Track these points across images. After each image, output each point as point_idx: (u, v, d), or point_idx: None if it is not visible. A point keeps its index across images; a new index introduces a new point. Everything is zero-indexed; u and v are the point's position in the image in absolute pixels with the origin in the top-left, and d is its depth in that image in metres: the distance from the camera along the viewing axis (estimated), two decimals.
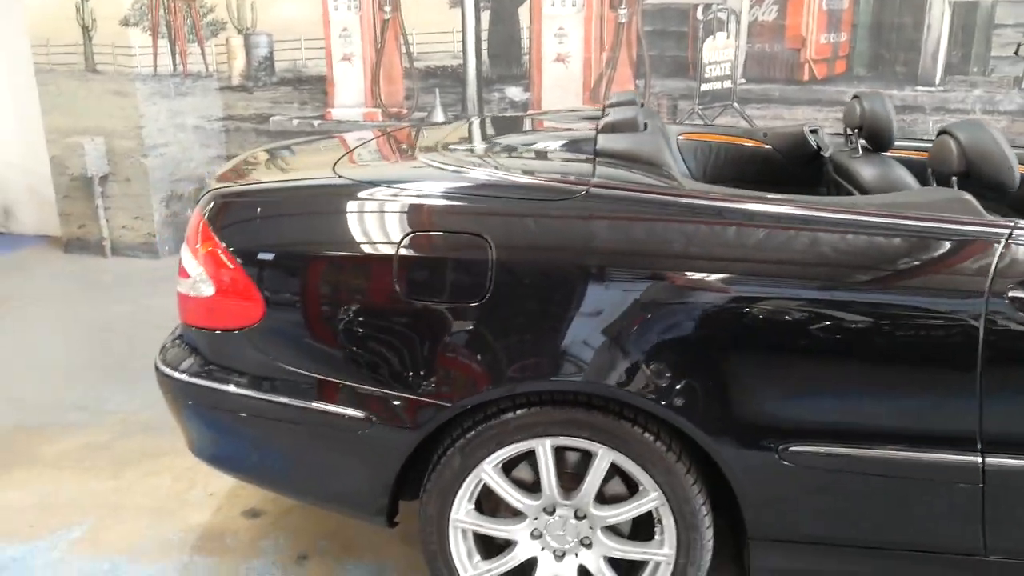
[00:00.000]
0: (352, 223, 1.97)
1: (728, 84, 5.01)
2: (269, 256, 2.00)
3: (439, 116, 5.48)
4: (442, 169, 2.11)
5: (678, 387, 1.82)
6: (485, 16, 5.25)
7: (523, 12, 5.20)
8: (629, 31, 5.06)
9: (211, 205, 2.09)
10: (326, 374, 1.98)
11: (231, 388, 2.05)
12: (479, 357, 1.87)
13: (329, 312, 1.96)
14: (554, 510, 1.99)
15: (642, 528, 2.00)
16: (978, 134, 2.02)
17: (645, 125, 2.22)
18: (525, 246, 1.88)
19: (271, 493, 2.72)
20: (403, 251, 1.88)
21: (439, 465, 1.96)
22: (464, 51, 5.33)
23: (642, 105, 2.81)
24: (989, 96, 4.62)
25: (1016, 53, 2.95)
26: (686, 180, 2.04)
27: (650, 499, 1.91)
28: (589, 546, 2.01)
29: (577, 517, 1.99)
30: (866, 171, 2.46)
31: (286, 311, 1.99)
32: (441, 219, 1.93)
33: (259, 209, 2.06)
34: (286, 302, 1.99)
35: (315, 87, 5.64)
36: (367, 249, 1.94)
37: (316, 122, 5.69)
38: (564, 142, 2.47)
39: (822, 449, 1.82)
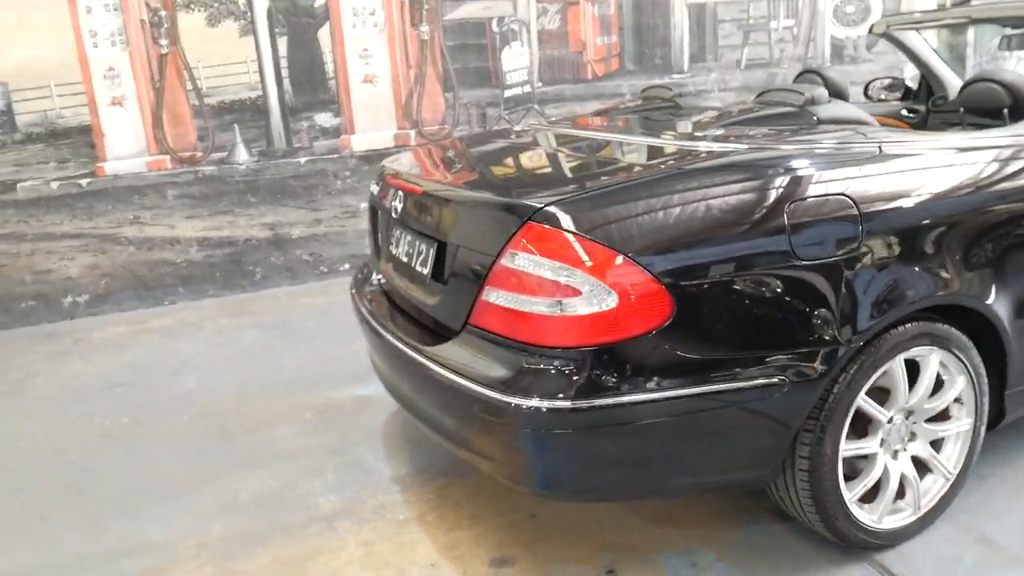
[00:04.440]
0: (744, 198, 2.07)
1: (527, 88, 5.47)
2: (669, 249, 1.99)
3: (242, 154, 5.01)
4: (792, 144, 2.31)
5: (988, 286, 2.31)
6: (282, 42, 4.96)
7: (323, 35, 5.03)
8: (432, 47, 5.22)
9: (574, 215, 1.98)
10: (739, 351, 2.05)
11: (639, 397, 1.99)
12: (867, 296, 2.14)
13: (737, 290, 2.03)
14: (891, 418, 2.34)
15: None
16: (1015, 79, 2.83)
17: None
18: (872, 198, 2.18)
19: (489, 537, 2.56)
20: (791, 218, 2.06)
21: (828, 405, 2.17)
22: (263, 81, 4.96)
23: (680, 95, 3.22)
24: (721, 77, 5.79)
25: (870, 32, 3.93)
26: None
27: (960, 382, 2.38)
28: (913, 439, 2.40)
29: (904, 417, 2.37)
30: None
31: (695, 301, 2.00)
32: (815, 187, 2.13)
33: (641, 204, 2.01)
34: (694, 292, 1.99)
35: (78, 140, 4.73)
36: (760, 221, 2.06)
37: (85, 181, 4.78)
38: (754, 120, 2.71)
39: None
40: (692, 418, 2.06)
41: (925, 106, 4.04)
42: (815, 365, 2.10)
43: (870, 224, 2.14)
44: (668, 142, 2.55)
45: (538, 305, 2.01)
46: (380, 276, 2.90)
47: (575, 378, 1.99)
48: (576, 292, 1.96)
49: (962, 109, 2.98)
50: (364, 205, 5.29)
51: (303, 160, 5.14)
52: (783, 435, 2.14)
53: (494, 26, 5.31)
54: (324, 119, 5.14)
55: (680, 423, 2.06)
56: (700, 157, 2.28)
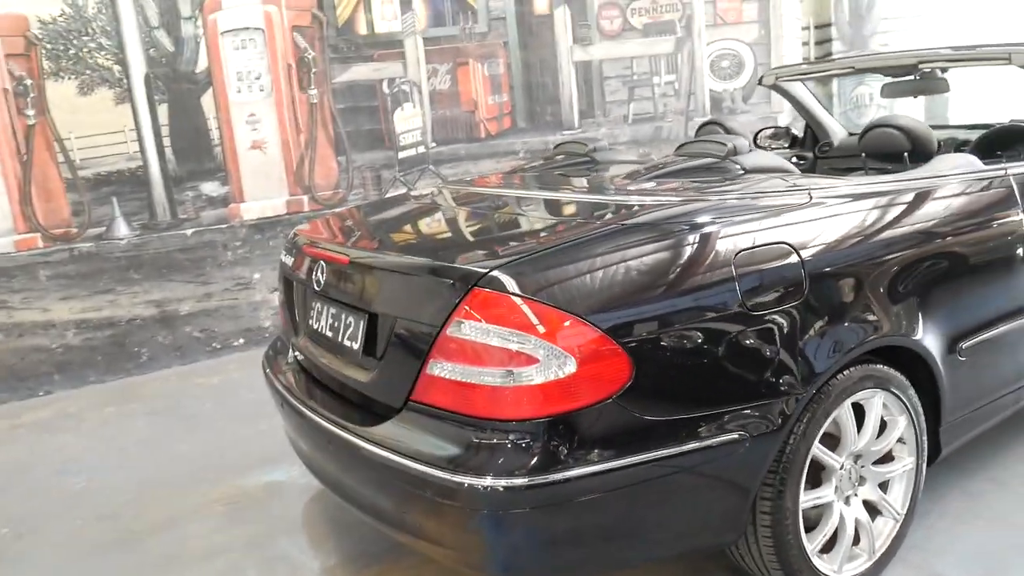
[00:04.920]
0: (691, 251, 2.03)
1: (422, 149, 5.39)
2: (623, 308, 1.92)
3: (122, 228, 4.68)
4: (720, 197, 2.28)
5: (924, 324, 2.35)
6: (163, 110, 4.69)
7: (206, 101, 4.80)
8: (323, 110, 5.07)
9: (523, 278, 1.88)
10: (700, 409, 1.99)
11: (604, 467, 1.88)
12: (817, 342, 2.12)
13: (693, 346, 1.97)
14: (842, 464, 2.32)
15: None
16: (911, 124, 2.94)
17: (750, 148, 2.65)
18: (811, 244, 2.19)
19: None
20: (739, 268, 2.03)
21: (786, 456, 2.12)
22: (143, 150, 4.67)
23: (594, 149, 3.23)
24: (611, 131, 5.89)
25: (760, 82, 4.06)
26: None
27: (901, 423, 2.39)
28: (862, 483, 2.39)
29: (853, 462, 2.35)
30: None
31: (653, 360, 1.93)
32: (757, 236, 2.11)
33: (589, 263, 1.93)
34: (652, 351, 1.93)
35: None
36: (709, 273, 2.02)
37: None
38: (682, 172, 2.67)
39: (972, 340, 2.53)
40: (659, 484, 1.97)
41: (812, 153, 4.21)
42: (774, 417, 2.06)
43: (812, 270, 2.14)
44: (599, 198, 2.51)
45: (491, 376, 1.89)
46: (297, 352, 2.70)
47: (535, 452, 1.87)
48: (532, 360, 1.85)
49: (864, 154, 3.07)
50: (257, 276, 5.04)
51: (190, 232, 4.85)
52: (747, 492, 2.09)
53: (385, 87, 5.22)
54: (211, 188, 4.88)
55: (647, 491, 1.97)
56: (637, 211, 2.24)
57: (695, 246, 2.05)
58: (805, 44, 6.32)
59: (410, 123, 5.31)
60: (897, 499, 2.44)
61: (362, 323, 2.25)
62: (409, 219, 2.73)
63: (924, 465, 2.49)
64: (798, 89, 4.16)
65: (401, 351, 2.09)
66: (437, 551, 2.13)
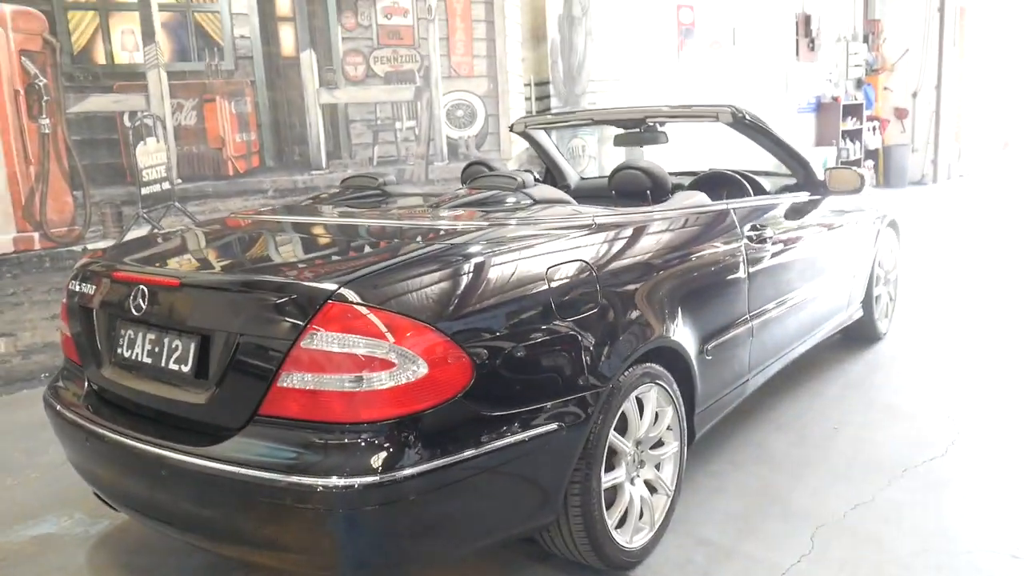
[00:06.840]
0: (513, 267, 2.30)
1: (167, 186, 5.18)
2: (463, 316, 2.14)
3: None
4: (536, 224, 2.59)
5: (683, 327, 2.83)
6: None
7: None
8: (56, 141, 4.71)
9: (372, 291, 2.05)
10: (528, 404, 2.25)
11: (451, 459, 2.08)
12: (613, 343, 2.50)
13: (521, 348, 2.23)
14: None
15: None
16: (652, 166, 3.50)
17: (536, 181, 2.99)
18: (604, 263, 2.57)
19: None
20: (551, 281, 2.36)
21: (590, 443, 2.45)
22: None
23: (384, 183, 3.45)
24: (357, 172, 6.05)
25: (511, 129, 4.45)
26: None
27: (669, 412, 2.84)
28: (642, 465, 2.79)
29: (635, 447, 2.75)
30: None
31: (490, 361, 2.16)
32: (562, 254, 2.44)
33: (429, 277, 2.13)
34: (489, 353, 2.16)
35: None
36: (530, 286, 2.31)
37: None
38: (481, 201, 2.90)
39: (715, 342, 3.08)
40: (497, 472, 2.21)
41: None
42: (582, 408, 2.39)
43: (603, 284, 2.53)
44: (417, 223, 2.71)
45: (345, 382, 2.01)
46: (95, 384, 2.57)
47: (387, 451, 2.02)
48: (387, 364, 2.01)
49: (614, 192, 3.58)
50: None
51: None
52: (563, 475, 2.38)
53: (126, 120, 4.98)
54: None
55: (488, 479, 2.20)
56: (457, 233, 2.48)
57: (516, 262, 2.34)
58: (528, 99, 6.99)
59: (154, 158, 5.10)
60: (668, 478, 2.88)
61: (193, 345, 2.25)
62: (228, 244, 2.74)
63: (685, 448, 2.97)
64: (541, 136, 4.68)
65: (245, 368, 2.13)
66: (286, 558, 2.16)
